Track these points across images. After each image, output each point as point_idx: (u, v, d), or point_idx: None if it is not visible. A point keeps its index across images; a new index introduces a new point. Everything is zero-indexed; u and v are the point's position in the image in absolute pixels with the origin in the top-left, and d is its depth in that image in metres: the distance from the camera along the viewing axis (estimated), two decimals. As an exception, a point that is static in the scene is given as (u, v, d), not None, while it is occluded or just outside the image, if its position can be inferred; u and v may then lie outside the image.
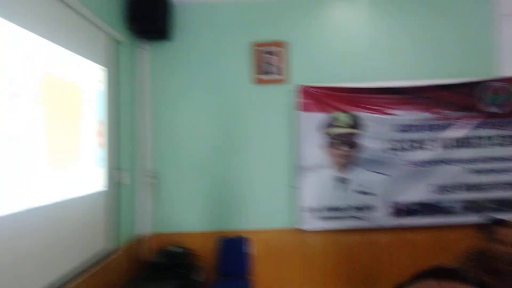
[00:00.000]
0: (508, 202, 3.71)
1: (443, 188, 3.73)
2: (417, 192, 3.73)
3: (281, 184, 3.80)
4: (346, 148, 3.75)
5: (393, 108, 3.75)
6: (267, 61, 3.80)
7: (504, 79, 3.73)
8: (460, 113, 3.73)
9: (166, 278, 3.10)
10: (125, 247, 3.33)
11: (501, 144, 3.75)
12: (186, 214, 3.80)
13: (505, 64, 3.79)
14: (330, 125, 3.75)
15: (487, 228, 2.53)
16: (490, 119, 3.74)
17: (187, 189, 3.81)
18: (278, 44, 3.81)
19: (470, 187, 3.72)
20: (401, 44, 3.86)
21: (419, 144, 3.74)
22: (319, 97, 3.73)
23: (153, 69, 3.83)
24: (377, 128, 3.74)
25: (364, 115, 3.74)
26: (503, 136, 3.74)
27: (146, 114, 3.80)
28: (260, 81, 3.81)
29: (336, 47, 3.85)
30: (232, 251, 3.68)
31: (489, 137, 3.74)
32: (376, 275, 3.75)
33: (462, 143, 3.74)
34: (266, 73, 3.81)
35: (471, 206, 3.71)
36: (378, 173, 3.74)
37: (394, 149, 3.74)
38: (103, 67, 3.01)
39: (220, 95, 3.84)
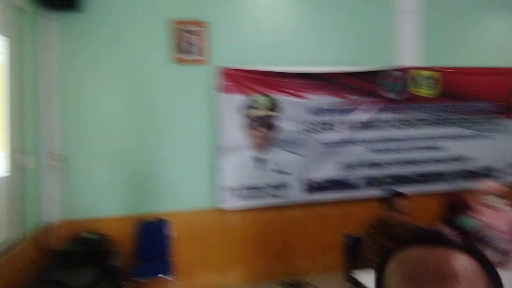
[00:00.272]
0: (402, 177, 4.23)
1: (350, 166, 4.10)
2: (328, 170, 4.05)
3: (201, 165, 3.81)
4: (264, 130, 3.89)
5: (307, 92, 3.97)
6: (187, 40, 3.72)
7: (401, 69, 4.19)
8: (364, 98, 4.11)
9: (81, 266, 2.94)
10: (31, 236, 3.05)
11: (398, 127, 4.23)
12: (99, 199, 3.60)
13: (403, 55, 4.25)
14: (250, 107, 3.84)
15: (387, 200, 2.87)
16: (389, 104, 4.18)
17: (100, 172, 3.60)
18: (198, 23, 3.75)
19: (372, 165, 4.16)
20: (317, 32, 4.07)
21: (329, 126, 4.04)
22: (240, 79, 3.79)
23: (60, 42, 3.48)
24: (292, 111, 3.94)
25: (282, 98, 3.91)
26: (400, 120, 4.22)
27: (53, 91, 3.47)
28: (180, 61, 3.73)
29: (256, 31, 3.92)
30: (151, 234, 3.62)
31: (388, 121, 4.20)
32: (291, 247, 4.02)
33: (366, 125, 4.13)
34: (186, 52, 3.73)
35: (373, 182, 4.16)
36: (293, 153, 3.96)
37: (308, 131, 3.99)
38: (4, 37, 2.66)
39: (136, 73, 3.66)
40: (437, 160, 4.32)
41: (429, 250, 0.54)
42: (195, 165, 3.79)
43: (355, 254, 2.95)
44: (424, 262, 0.53)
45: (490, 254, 2.66)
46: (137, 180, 3.67)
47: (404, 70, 4.19)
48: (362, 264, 2.72)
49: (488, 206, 2.94)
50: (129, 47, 3.63)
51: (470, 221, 2.85)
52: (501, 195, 2.95)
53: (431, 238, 0.56)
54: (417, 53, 4.28)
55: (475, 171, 4.42)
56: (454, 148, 4.37)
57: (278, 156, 3.91)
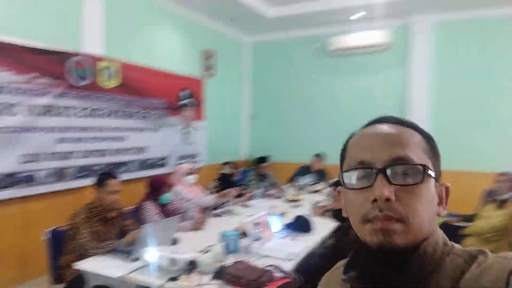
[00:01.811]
0: (91, 168, 4.06)
1: (32, 157, 3.50)
2: (3, 162, 3.28)
3: None
4: None
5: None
6: None
7: (87, 55, 4.04)
8: (49, 80, 3.64)
9: None
10: None
11: (83, 115, 4.02)
12: None
13: (90, 42, 4.11)
14: None
15: (98, 183, 2.72)
16: (75, 90, 3.91)
17: None
18: None
19: (58, 155, 3.73)
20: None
21: (4, 109, 3.29)
22: None
23: None
24: None
25: None
26: (85, 108, 4.03)
27: None
28: None
29: None
30: None
31: (74, 107, 3.91)
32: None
33: (50, 111, 3.67)
34: None
35: (59, 173, 3.74)
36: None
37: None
38: None
39: None
40: (121, 150, 4.45)
41: (381, 126, 0.66)
42: None
43: (61, 250, 2.59)
44: (377, 134, 0.65)
45: (186, 221, 3.10)
46: None
47: (91, 57, 4.06)
48: (77, 257, 2.43)
49: (185, 183, 3.40)
50: None
51: (169, 196, 3.19)
52: (193, 173, 3.49)
53: (383, 119, 0.67)
54: (103, 42, 4.26)
55: (152, 160, 4.90)
56: (134, 139, 4.65)
57: None
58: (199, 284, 2.02)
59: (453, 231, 3.35)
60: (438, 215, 0.64)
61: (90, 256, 2.39)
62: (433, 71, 5.70)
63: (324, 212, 3.38)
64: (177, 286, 2.00)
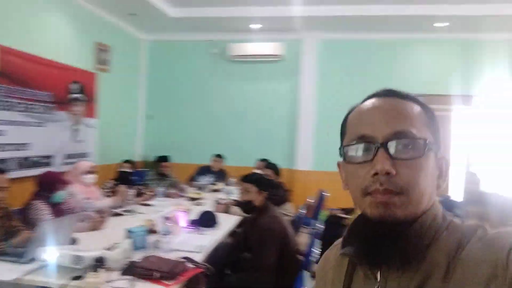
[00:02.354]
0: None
1: None
2: None
3: None
4: None
5: None
6: None
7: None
8: None
9: None
10: None
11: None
12: None
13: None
14: None
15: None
16: None
17: None
18: None
19: None
20: None
21: None
22: None
23: None
24: None
25: None
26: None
27: None
28: None
29: None
30: None
31: None
32: None
33: None
34: None
35: None
36: None
37: None
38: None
39: None
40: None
41: (382, 99, 0.66)
42: None
43: None
44: (377, 108, 0.65)
45: (83, 221, 2.90)
46: None
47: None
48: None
49: (82, 181, 3.16)
50: None
51: (62, 195, 2.94)
52: (92, 172, 3.27)
53: (383, 92, 0.68)
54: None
55: (35, 158, 4.39)
56: (14, 134, 4.12)
57: None
58: (107, 281, 1.94)
59: (338, 221, 3.83)
60: (438, 188, 0.64)
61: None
62: (318, 84, 6.34)
63: (228, 207, 3.50)
64: (83, 284, 1.89)
